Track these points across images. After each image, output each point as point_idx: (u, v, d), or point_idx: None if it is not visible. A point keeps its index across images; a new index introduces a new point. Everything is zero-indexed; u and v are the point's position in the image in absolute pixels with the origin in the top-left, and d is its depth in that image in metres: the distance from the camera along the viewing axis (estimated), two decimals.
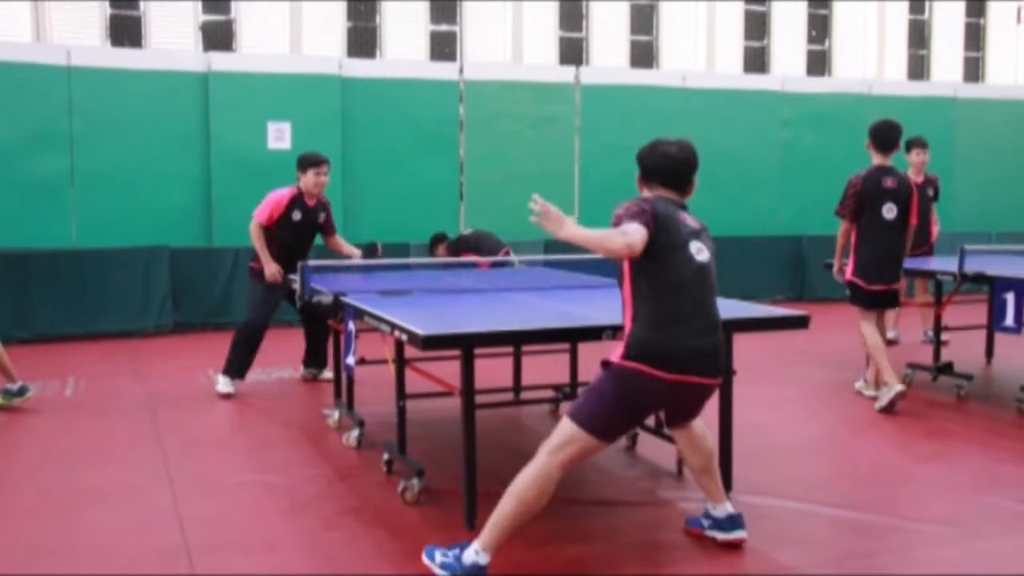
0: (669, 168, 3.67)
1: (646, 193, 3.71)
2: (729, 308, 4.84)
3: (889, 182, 6.26)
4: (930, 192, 8.61)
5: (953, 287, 6.77)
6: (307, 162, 6.78)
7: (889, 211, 6.26)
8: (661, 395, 3.52)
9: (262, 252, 6.65)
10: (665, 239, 3.49)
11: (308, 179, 6.75)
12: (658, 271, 3.49)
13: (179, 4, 13.09)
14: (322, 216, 6.93)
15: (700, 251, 3.57)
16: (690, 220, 3.62)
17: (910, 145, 8.28)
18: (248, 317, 6.83)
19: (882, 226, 6.28)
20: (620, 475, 4.90)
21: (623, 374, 3.47)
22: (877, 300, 6.36)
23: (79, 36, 12.40)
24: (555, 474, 3.43)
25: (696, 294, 3.54)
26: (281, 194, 6.75)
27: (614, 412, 3.49)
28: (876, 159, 6.41)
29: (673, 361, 3.46)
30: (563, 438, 3.46)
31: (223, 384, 6.69)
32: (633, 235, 3.39)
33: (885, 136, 6.39)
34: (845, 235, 6.43)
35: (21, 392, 6.28)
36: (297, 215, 6.74)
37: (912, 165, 8.36)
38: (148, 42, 12.89)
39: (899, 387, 6.08)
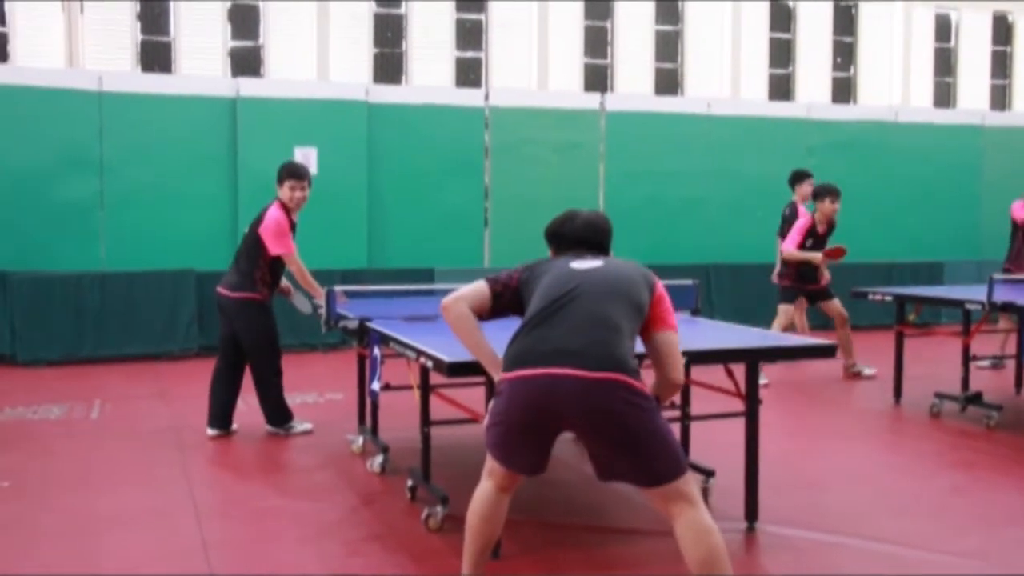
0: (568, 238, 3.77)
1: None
2: (754, 337, 4.83)
3: None
4: None
5: (981, 316, 6.71)
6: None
7: None
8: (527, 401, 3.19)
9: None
10: (536, 271, 3.49)
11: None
12: (532, 292, 3.43)
13: (208, 30, 13.26)
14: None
15: (586, 262, 3.47)
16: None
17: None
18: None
19: None
20: (645, 503, 4.86)
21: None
22: None
23: (111, 61, 12.58)
24: (490, 495, 3.39)
25: (574, 301, 3.27)
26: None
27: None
28: None
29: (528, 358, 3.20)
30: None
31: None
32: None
33: None
34: None
35: None
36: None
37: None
38: (178, 67, 13.05)
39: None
